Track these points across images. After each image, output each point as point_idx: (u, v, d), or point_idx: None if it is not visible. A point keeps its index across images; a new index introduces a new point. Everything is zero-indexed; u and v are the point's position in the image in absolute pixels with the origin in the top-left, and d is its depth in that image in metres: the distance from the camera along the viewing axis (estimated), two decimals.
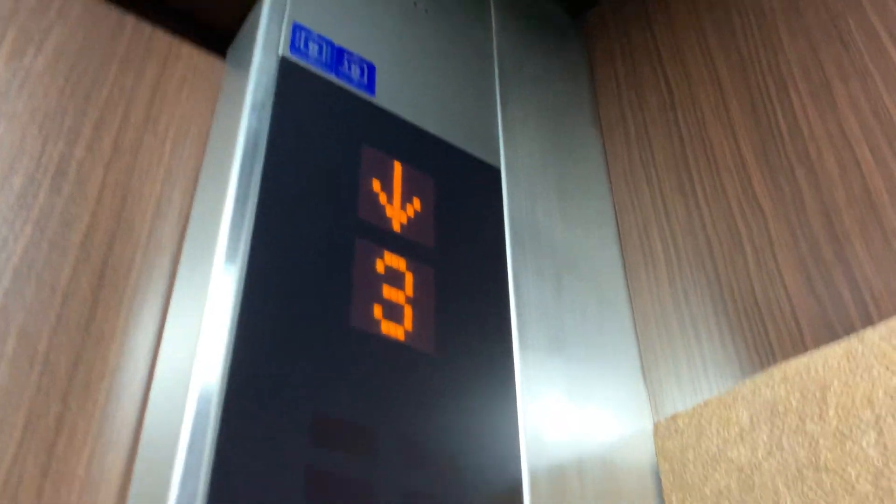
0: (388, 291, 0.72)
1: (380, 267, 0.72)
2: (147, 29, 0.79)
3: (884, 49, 0.78)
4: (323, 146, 0.74)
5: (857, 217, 0.75)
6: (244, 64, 0.75)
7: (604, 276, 0.97)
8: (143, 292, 0.66)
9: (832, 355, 0.70)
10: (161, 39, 0.79)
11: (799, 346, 0.77)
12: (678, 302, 0.91)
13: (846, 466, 0.66)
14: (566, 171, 1.02)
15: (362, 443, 0.61)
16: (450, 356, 0.72)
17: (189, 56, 0.81)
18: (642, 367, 0.92)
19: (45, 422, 0.56)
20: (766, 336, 0.80)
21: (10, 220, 0.62)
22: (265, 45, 0.75)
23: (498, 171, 0.90)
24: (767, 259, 0.82)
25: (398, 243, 0.75)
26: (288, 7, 0.80)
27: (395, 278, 0.73)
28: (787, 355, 0.77)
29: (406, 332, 0.70)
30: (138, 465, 0.58)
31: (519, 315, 0.82)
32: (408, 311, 0.72)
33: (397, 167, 0.79)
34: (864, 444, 0.66)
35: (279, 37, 0.76)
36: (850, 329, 0.73)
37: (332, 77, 0.79)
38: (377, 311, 0.70)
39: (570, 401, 0.82)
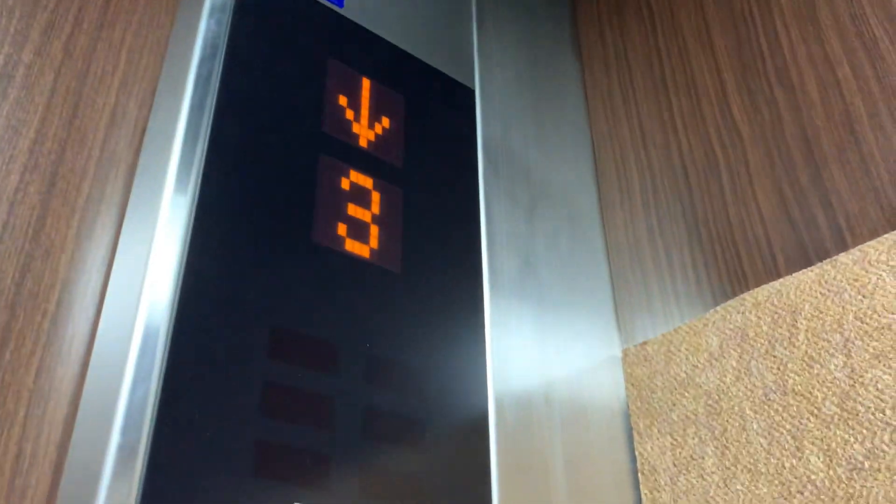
0: (354, 210, 0.69)
1: (345, 184, 0.70)
2: None
3: None
4: (286, 56, 0.70)
5: (836, 141, 0.73)
6: None
7: (578, 204, 0.95)
8: (95, 203, 0.64)
9: (805, 280, 0.69)
10: None
11: (772, 273, 0.75)
12: (652, 230, 0.89)
13: (813, 390, 0.66)
14: (543, 95, 0.99)
15: (322, 358, 0.60)
16: (417, 276, 0.70)
17: None
18: (614, 295, 0.91)
19: None
20: (740, 264, 0.79)
21: None
22: None
23: (472, 92, 0.87)
24: (743, 185, 0.81)
25: (365, 161, 0.72)
26: None
27: (361, 197, 0.70)
28: (759, 283, 0.76)
29: (371, 251, 0.68)
30: (90, 377, 0.56)
31: (489, 239, 0.81)
32: (374, 230, 0.70)
33: (365, 83, 0.76)
34: (831, 367, 0.65)
35: None
36: (824, 255, 0.71)
37: None
38: (341, 228, 0.68)
39: (539, 327, 0.81)
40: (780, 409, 0.68)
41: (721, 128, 0.85)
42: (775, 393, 0.69)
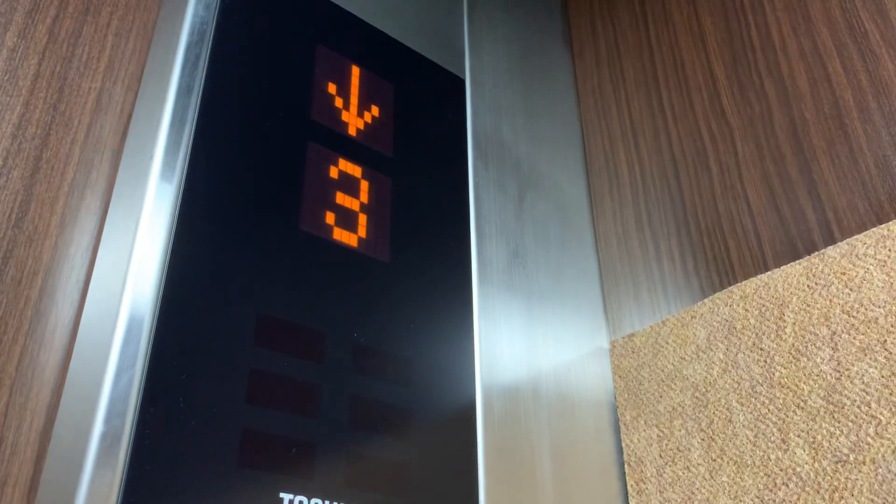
0: (342, 198, 0.69)
1: (333, 172, 0.69)
2: None
3: None
4: (275, 42, 0.70)
5: (825, 134, 0.74)
6: None
7: (568, 195, 0.95)
8: (80, 189, 0.63)
9: (792, 273, 0.70)
10: None
11: (760, 265, 0.76)
12: (641, 222, 0.89)
13: (799, 382, 0.66)
14: (534, 86, 0.99)
15: (310, 346, 0.60)
16: (405, 266, 0.70)
17: None
18: (602, 287, 0.91)
19: None
20: (728, 256, 0.79)
21: None
22: None
23: (462, 82, 0.86)
24: (733, 178, 0.81)
25: (354, 150, 0.72)
26: None
27: (349, 185, 0.70)
28: (747, 275, 0.76)
29: (360, 240, 0.68)
30: (73, 365, 0.56)
31: (478, 230, 0.80)
32: (362, 219, 0.69)
33: (355, 71, 0.75)
34: (818, 360, 0.65)
35: None
36: (811, 248, 0.72)
37: None
38: (329, 217, 0.67)
39: (527, 318, 0.81)
40: (767, 401, 0.68)
41: (711, 120, 0.85)
42: (762, 385, 0.69)
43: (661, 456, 0.75)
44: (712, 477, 0.70)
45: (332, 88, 0.72)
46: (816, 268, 0.68)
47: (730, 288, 0.75)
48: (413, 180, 0.75)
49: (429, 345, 0.68)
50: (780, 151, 0.77)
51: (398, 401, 0.63)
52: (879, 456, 0.59)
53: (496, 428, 0.71)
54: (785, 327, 0.69)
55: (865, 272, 0.64)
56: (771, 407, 0.67)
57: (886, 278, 0.63)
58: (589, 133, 1.01)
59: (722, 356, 0.73)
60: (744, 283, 0.73)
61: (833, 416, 0.63)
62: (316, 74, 0.72)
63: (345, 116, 0.72)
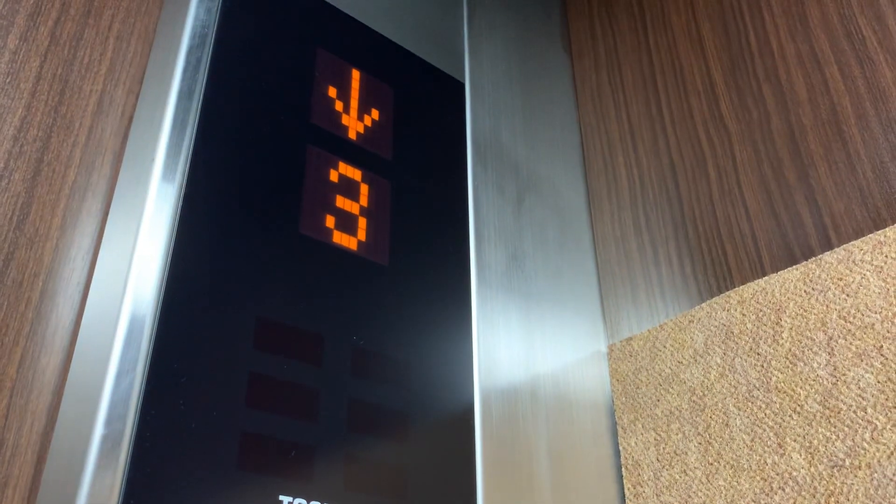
0: (342, 201, 0.69)
1: (333, 176, 0.70)
2: None
3: None
4: (275, 46, 0.70)
5: (823, 140, 0.74)
6: None
7: (566, 198, 0.95)
8: (81, 192, 0.63)
9: (790, 278, 0.70)
10: None
11: (758, 270, 0.76)
12: (639, 226, 0.89)
13: (796, 387, 0.66)
14: (533, 90, 0.99)
15: (309, 350, 0.60)
16: (404, 269, 0.70)
17: None
18: (600, 290, 0.91)
19: None
20: (725, 260, 0.79)
21: None
22: None
23: (462, 86, 0.87)
24: (731, 182, 0.81)
25: (354, 153, 0.72)
26: None
27: (349, 189, 0.70)
28: (745, 280, 0.76)
29: (359, 243, 0.68)
30: (74, 367, 0.56)
31: (477, 233, 0.81)
32: (362, 223, 0.70)
33: (355, 74, 0.76)
34: (814, 365, 0.66)
35: None
36: (808, 253, 0.72)
37: None
38: (329, 220, 0.67)
39: (525, 321, 0.81)
40: (764, 405, 0.68)
41: (709, 124, 0.86)
42: (759, 390, 0.69)
43: (658, 459, 0.75)
44: (709, 481, 0.70)
45: (332, 92, 0.73)
46: (813, 273, 0.68)
47: (727, 292, 0.75)
48: (412, 184, 0.76)
49: (427, 348, 0.68)
50: (778, 157, 0.77)
51: (397, 404, 0.64)
52: (875, 461, 0.59)
53: (494, 431, 0.71)
54: (782, 332, 0.69)
55: (862, 278, 0.65)
56: (767, 411, 0.68)
57: (883, 284, 0.63)
58: (587, 136, 1.02)
59: (719, 360, 0.73)
60: (741, 287, 0.74)
61: (829, 421, 0.63)
62: (316, 78, 0.72)
63: (345, 120, 0.73)
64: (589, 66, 1.06)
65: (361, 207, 0.70)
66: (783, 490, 0.64)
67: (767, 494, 0.65)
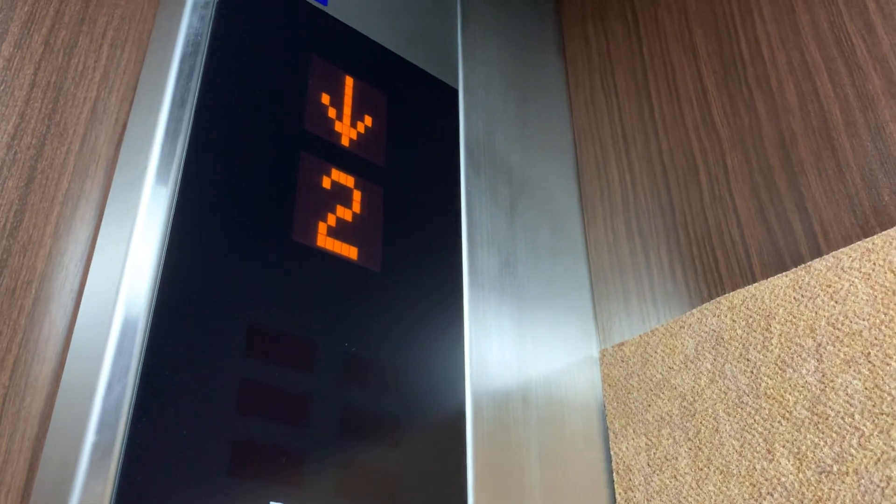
0: (335, 208, 0.70)
1: (326, 183, 0.70)
2: None
3: None
4: (269, 53, 0.70)
5: (813, 148, 0.74)
6: None
7: (559, 203, 0.96)
8: (74, 199, 0.63)
9: (779, 285, 0.70)
10: None
11: (748, 276, 0.76)
12: (631, 231, 0.90)
13: (785, 393, 0.67)
14: (527, 96, 0.99)
15: (301, 356, 0.60)
16: (397, 275, 0.71)
17: None
18: (592, 295, 0.92)
19: None
20: (716, 266, 0.80)
21: None
22: None
23: (455, 92, 0.87)
24: (722, 189, 0.82)
25: (347, 160, 0.72)
26: None
27: (342, 196, 0.71)
28: (735, 286, 0.77)
29: (352, 249, 0.69)
30: (66, 375, 0.56)
31: (470, 238, 0.81)
32: (354, 230, 0.70)
33: (349, 81, 0.76)
34: (803, 371, 0.66)
35: None
36: (798, 260, 0.72)
37: None
38: (322, 226, 0.68)
39: (517, 326, 0.81)
40: (753, 411, 0.69)
41: (701, 131, 0.86)
42: (748, 396, 0.70)
43: (649, 464, 0.76)
44: (699, 486, 0.71)
45: (325, 99, 0.73)
46: (803, 280, 0.69)
47: (718, 298, 0.75)
48: (405, 190, 0.76)
49: (419, 354, 0.69)
50: (769, 164, 0.78)
51: (388, 410, 0.64)
52: (862, 467, 0.60)
53: (486, 436, 0.72)
54: (771, 338, 0.70)
55: (850, 285, 0.65)
56: (757, 417, 0.68)
57: (871, 291, 0.64)
58: (581, 142, 1.02)
59: (709, 366, 0.74)
60: (731, 294, 0.74)
61: (817, 427, 0.64)
62: (309, 85, 0.72)
63: (338, 127, 0.73)
64: (582, 71, 1.06)
65: (354, 214, 0.70)
66: (772, 495, 0.65)
67: (756, 500, 0.66)
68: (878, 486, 0.59)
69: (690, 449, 0.73)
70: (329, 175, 0.70)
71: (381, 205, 0.73)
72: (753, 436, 0.68)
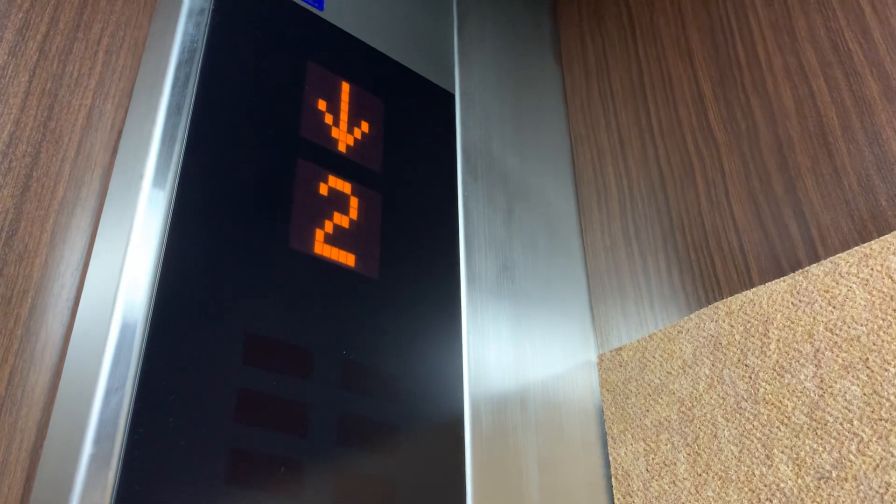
0: (332, 215, 0.69)
1: (323, 190, 0.70)
2: None
3: None
4: (265, 60, 0.70)
5: (810, 152, 0.75)
6: None
7: (556, 208, 0.95)
8: (70, 207, 0.63)
9: (777, 290, 0.70)
10: None
11: (745, 281, 0.76)
12: (628, 236, 0.90)
13: (783, 399, 0.67)
14: (523, 100, 0.99)
15: (298, 364, 0.60)
16: (394, 282, 0.71)
17: None
18: (590, 300, 0.92)
19: None
20: (713, 271, 0.80)
21: None
22: None
23: (452, 97, 0.87)
24: (719, 194, 0.82)
25: (344, 166, 0.72)
26: None
27: (339, 202, 0.70)
28: (733, 290, 0.77)
29: (349, 257, 0.68)
30: (63, 385, 0.56)
31: (467, 244, 0.81)
32: (351, 236, 0.70)
33: (345, 87, 0.76)
34: (801, 377, 0.66)
35: None
36: (796, 265, 0.72)
37: None
38: (319, 233, 0.67)
39: (515, 331, 0.81)
40: (751, 417, 0.69)
41: (698, 135, 0.86)
42: (747, 401, 0.70)
43: (647, 470, 0.76)
44: (698, 492, 0.71)
45: (321, 105, 0.73)
46: (800, 285, 0.69)
47: (715, 304, 0.75)
48: (402, 196, 0.76)
49: (417, 360, 0.69)
50: (766, 168, 0.78)
51: (386, 417, 0.64)
52: (861, 473, 0.60)
53: (484, 442, 0.72)
54: (769, 344, 0.70)
55: (848, 290, 0.65)
56: (755, 423, 0.68)
57: (869, 297, 0.64)
58: (577, 146, 1.02)
59: (708, 371, 0.74)
60: (729, 299, 0.74)
61: (816, 433, 0.64)
62: (306, 91, 0.72)
63: (335, 133, 0.73)
64: (579, 75, 1.06)
65: (351, 221, 0.70)
66: (770, 502, 0.65)
67: None
68: (877, 492, 0.59)
69: (689, 454, 0.73)
70: (326, 182, 0.70)
71: (378, 211, 0.73)
72: (752, 441, 0.68)
